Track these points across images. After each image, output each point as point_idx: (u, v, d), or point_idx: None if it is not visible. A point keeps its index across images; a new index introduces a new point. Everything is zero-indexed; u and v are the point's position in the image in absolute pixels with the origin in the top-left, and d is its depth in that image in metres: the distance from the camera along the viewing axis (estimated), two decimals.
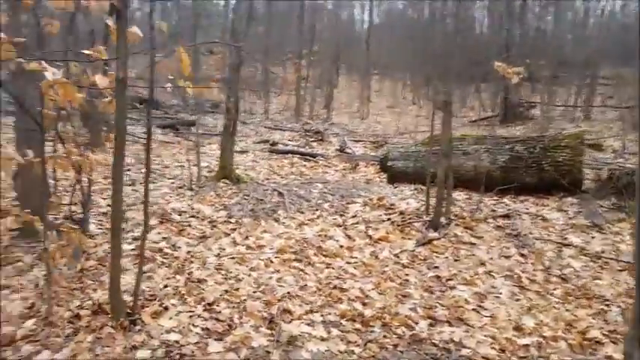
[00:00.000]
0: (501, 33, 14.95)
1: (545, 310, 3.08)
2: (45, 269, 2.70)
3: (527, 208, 5.10)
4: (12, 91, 2.60)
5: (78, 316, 2.62)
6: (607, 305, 3.15)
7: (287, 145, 8.71)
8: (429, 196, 4.70)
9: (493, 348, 2.61)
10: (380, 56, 23.97)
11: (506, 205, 5.21)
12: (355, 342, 2.60)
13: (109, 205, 4.26)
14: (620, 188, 5.17)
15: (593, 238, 4.33)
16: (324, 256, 3.80)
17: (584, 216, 4.80)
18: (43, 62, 2.17)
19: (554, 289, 3.40)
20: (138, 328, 2.53)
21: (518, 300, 3.22)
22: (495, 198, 5.40)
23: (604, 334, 2.79)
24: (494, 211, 4.97)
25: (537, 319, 2.95)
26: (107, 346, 2.37)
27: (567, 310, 3.11)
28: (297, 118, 12.89)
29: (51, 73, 2.21)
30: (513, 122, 13.23)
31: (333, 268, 3.57)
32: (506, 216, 4.79)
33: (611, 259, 3.87)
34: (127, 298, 2.69)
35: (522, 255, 3.93)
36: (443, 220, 4.46)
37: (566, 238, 4.31)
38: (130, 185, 5.20)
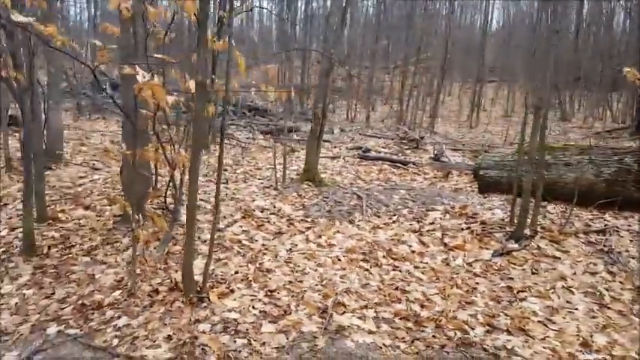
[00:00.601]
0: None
1: (624, 330, 2.82)
2: (138, 250, 3.14)
3: (630, 225, 4.61)
4: (109, 92, 3.07)
5: (157, 291, 3.01)
6: None
7: (379, 152, 8.75)
8: (514, 207, 4.52)
9: None
10: (498, 61, 22.76)
11: (605, 220, 4.76)
12: (402, 338, 2.63)
13: (201, 200, 4.73)
14: None
15: None
16: (392, 259, 3.84)
17: None
18: (137, 67, 2.52)
19: None
20: (204, 305, 2.84)
21: (594, 317, 2.98)
22: (595, 212, 4.96)
23: None
24: (588, 225, 4.57)
25: (611, 337, 2.72)
26: (175, 318, 2.71)
27: None
28: (397, 126, 12.85)
29: (142, 77, 2.54)
30: None
31: (399, 271, 3.61)
32: (602, 232, 4.38)
33: None
34: (200, 279, 3.01)
35: (611, 272, 3.59)
36: (527, 231, 4.24)
37: None
38: (223, 183, 5.69)
